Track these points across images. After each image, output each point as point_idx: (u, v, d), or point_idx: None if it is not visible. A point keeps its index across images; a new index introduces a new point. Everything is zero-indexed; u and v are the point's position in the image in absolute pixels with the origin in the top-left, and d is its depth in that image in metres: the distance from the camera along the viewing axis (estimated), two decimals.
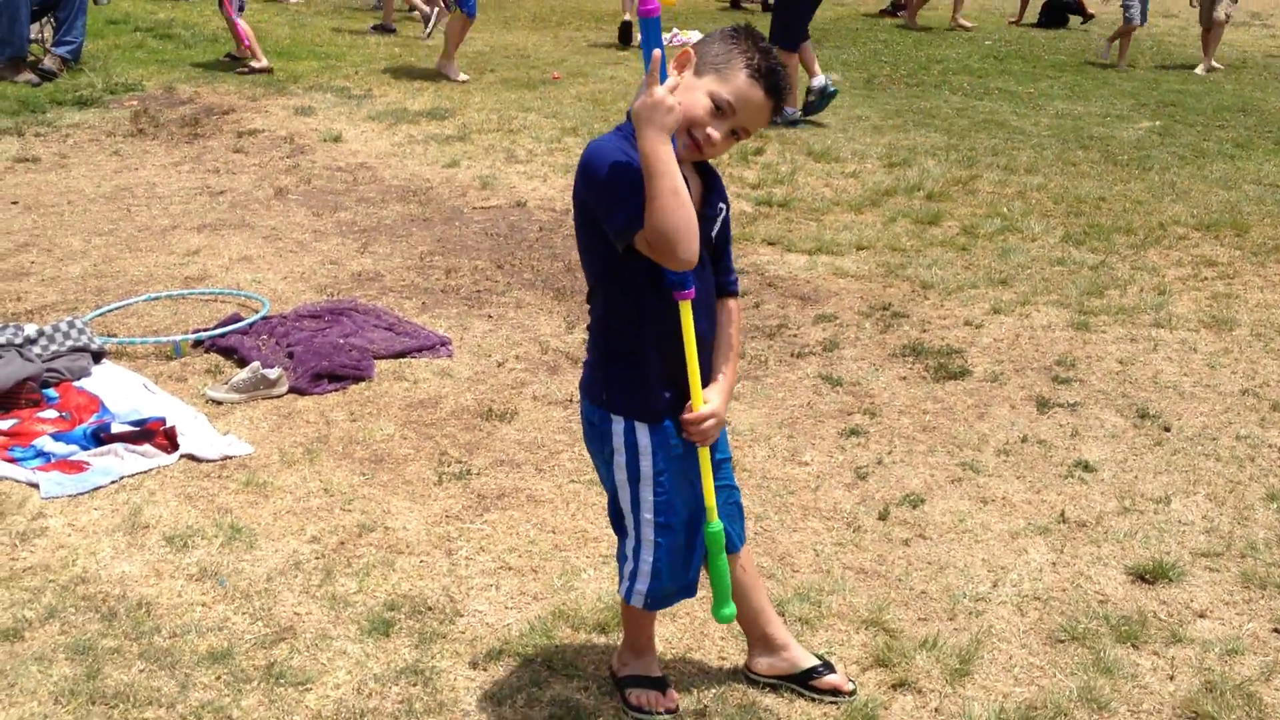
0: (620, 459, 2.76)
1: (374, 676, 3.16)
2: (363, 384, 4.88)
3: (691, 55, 2.57)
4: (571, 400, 4.83)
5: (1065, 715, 3.13)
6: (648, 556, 2.81)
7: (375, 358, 5.06)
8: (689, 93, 2.53)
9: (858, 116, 10.06)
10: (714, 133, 2.55)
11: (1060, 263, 6.52)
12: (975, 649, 3.35)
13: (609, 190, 2.53)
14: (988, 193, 7.91)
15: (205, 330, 5.25)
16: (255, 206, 7.22)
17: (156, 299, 5.69)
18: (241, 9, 11.02)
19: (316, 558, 3.69)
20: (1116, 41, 12.97)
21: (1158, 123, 10.19)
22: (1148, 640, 3.45)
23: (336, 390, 4.81)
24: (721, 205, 2.76)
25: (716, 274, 2.80)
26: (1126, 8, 12.68)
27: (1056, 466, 4.43)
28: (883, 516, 4.05)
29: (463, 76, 10.86)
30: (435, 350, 5.21)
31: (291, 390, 4.78)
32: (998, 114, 10.34)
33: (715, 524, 2.76)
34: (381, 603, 3.47)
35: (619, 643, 3.32)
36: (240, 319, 5.31)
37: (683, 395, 2.70)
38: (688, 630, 3.42)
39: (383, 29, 13.46)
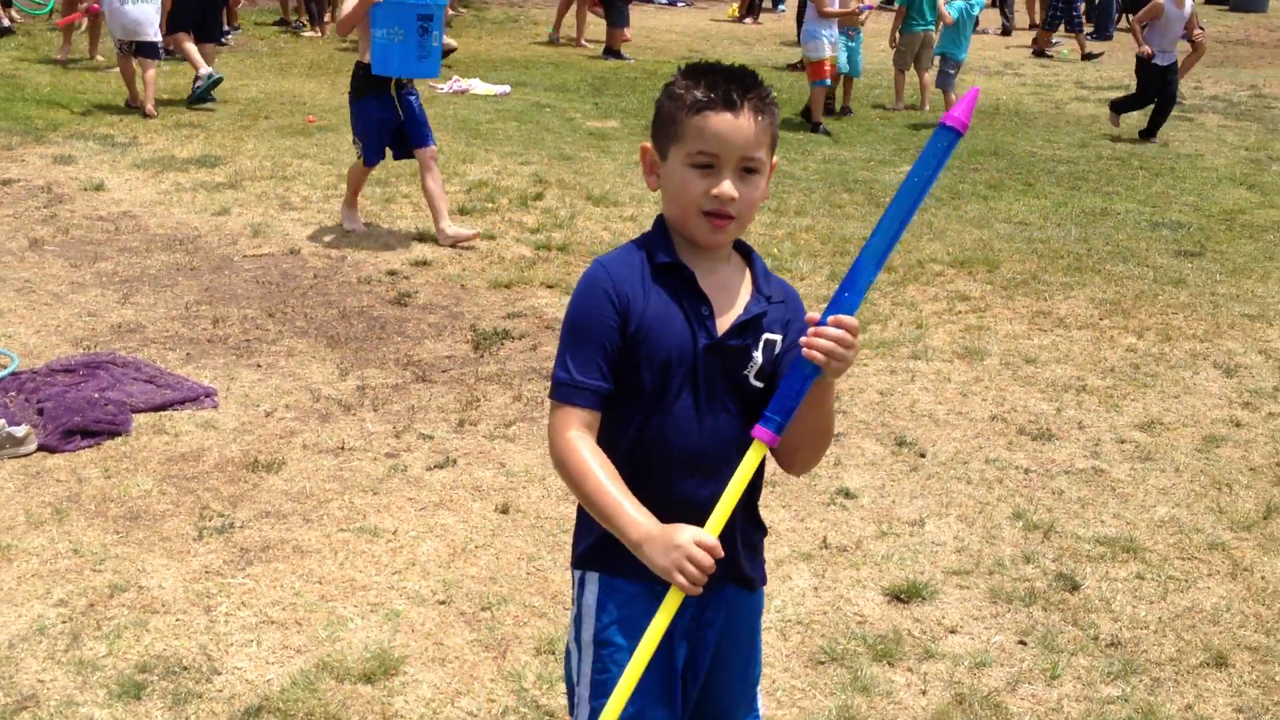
0: (572, 619, 2.34)
1: None
2: (119, 439, 4.70)
3: (648, 148, 2.23)
4: (343, 448, 4.75)
5: None
6: None
7: (134, 411, 4.87)
8: (670, 181, 2.18)
9: (636, 162, 10.24)
10: (719, 190, 2.12)
11: (826, 300, 6.74)
12: None
13: (567, 333, 2.18)
14: (759, 234, 8.16)
15: None
16: (7, 259, 6.88)
17: None
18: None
19: (63, 621, 3.52)
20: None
21: None
22: (902, 657, 3.59)
23: (90, 446, 4.62)
24: (771, 337, 2.22)
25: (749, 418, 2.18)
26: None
27: (820, 495, 4.58)
28: None
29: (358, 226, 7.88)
30: (199, 402, 5.05)
31: (41, 448, 4.56)
32: None
33: None
34: (133, 665, 3.33)
35: (386, 692, 3.28)
36: None
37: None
38: None
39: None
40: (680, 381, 2.15)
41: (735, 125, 2.11)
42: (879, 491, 4.63)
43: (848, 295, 2.06)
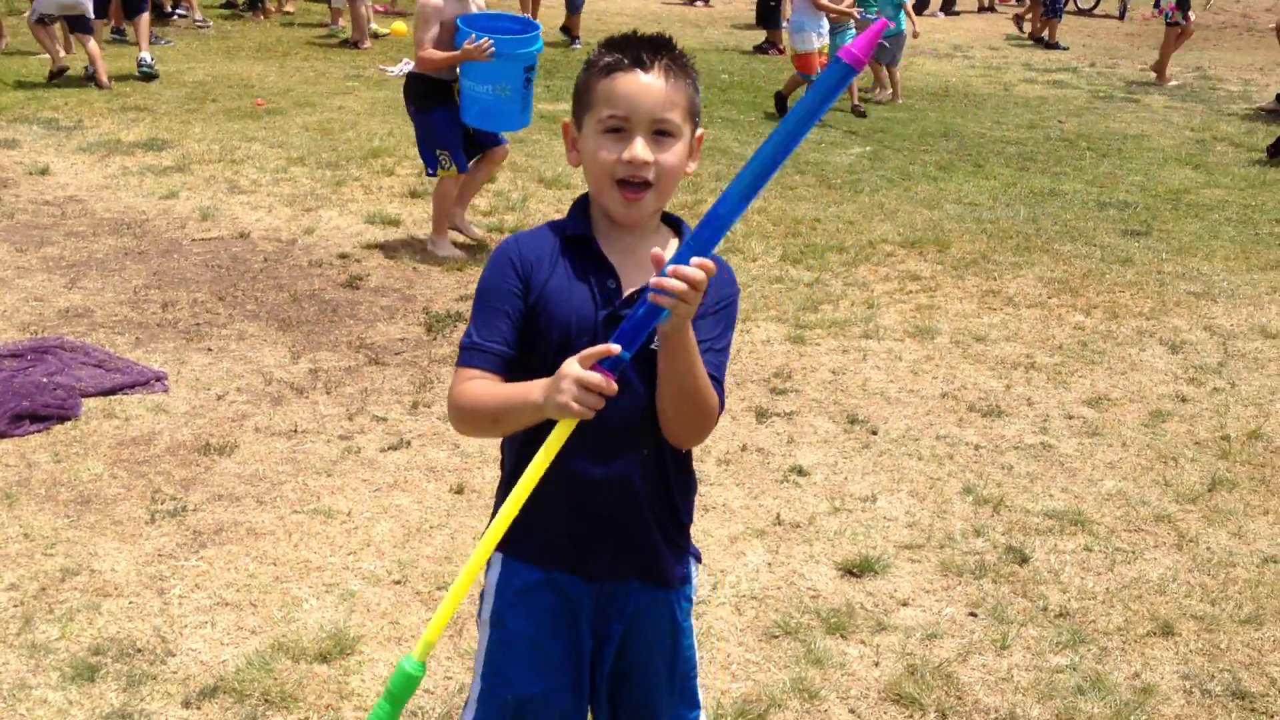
0: (479, 602, 2.30)
1: None
2: (69, 423, 4.65)
3: (568, 124, 2.17)
4: (296, 430, 4.73)
5: (779, 706, 3.27)
6: (468, 718, 2.29)
7: (83, 395, 4.83)
8: (585, 151, 2.11)
9: None
10: (630, 154, 2.04)
11: (779, 281, 6.81)
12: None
13: (475, 302, 2.15)
14: None
15: None
16: None
17: None
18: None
19: (14, 605, 3.49)
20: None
21: (868, 148, 10.76)
22: (855, 630, 3.63)
23: (39, 431, 4.57)
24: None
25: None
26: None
27: (774, 472, 4.61)
28: None
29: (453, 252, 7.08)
30: (149, 386, 5.01)
31: None
32: (721, 141, 10.71)
33: (415, 667, 1.95)
34: (86, 647, 3.31)
35: (343, 671, 3.29)
36: None
37: (562, 542, 2.18)
38: None
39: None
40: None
41: (644, 85, 2.04)
42: (831, 468, 4.67)
43: (707, 233, 1.90)
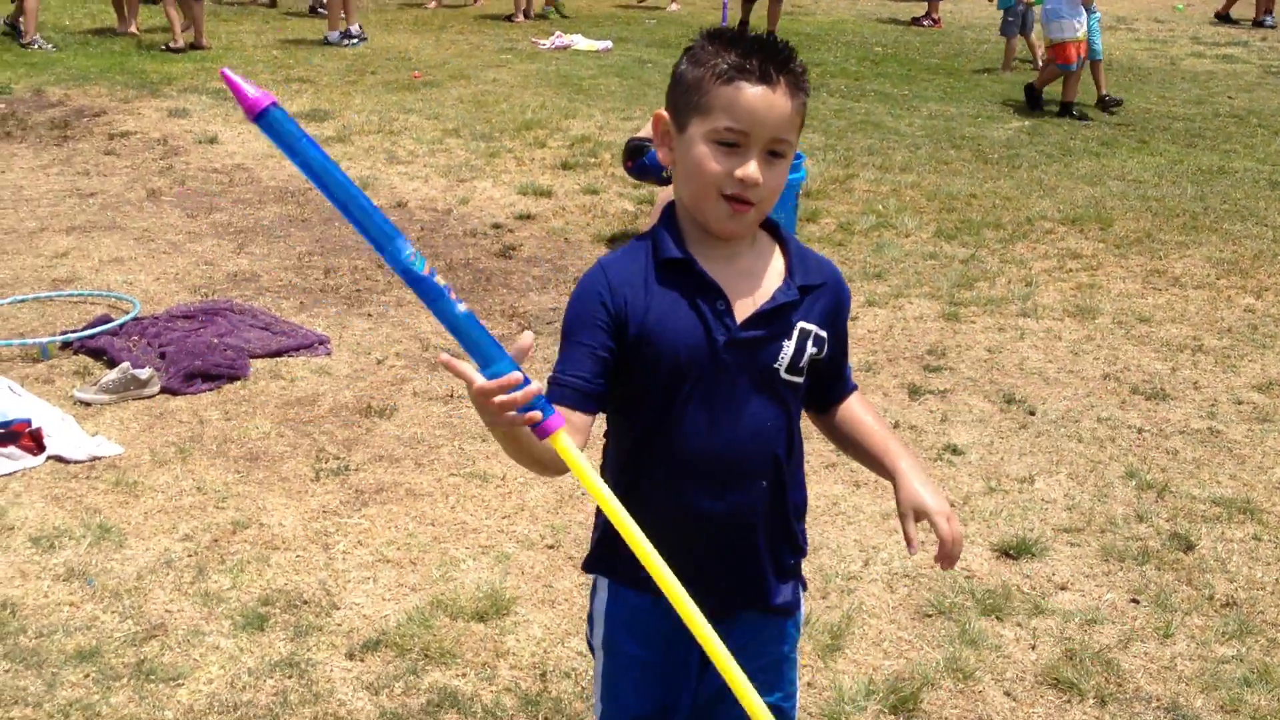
0: (587, 627, 2.23)
1: (248, 670, 3.14)
2: (238, 383, 4.82)
3: (663, 116, 1.97)
4: (452, 395, 4.83)
5: (932, 685, 3.23)
6: None
7: (251, 357, 5.00)
8: (687, 157, 1.92)
9: None
10: (744, 172, 1.88)
11: (932, 257, 6.69)
12: (846, 625, 3.44)
13: (562, 335, 2.02)
14: (864, 191, 8.08)
15: (73, 331, 5.13)
16: (127, 208, 7.08)
17: (23, 301, 5.55)
18: None
19: (189, 555, 3.64)
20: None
21: (1027, 122, 10.49)
22: (1011, 612, 3.56)
23: (210, 389, 4.75)
24: (807, 327, 2.00)
25: (796, 405, 2.07)
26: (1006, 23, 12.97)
27: (927, 450, 4.54)
28: None
29: None
30: (313, 349, 5.16)
31: (164, 390, 4.70)
32: (874, 115, 10.55)
33: None
34: (256, 598, 3.44)
35: (499, 631, 3.35)
36: (110, 320, 5.21)
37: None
38: None
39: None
40: (692, 384, 1.95)
41: (770, 101, 1.87)
42: (987, 448, 4.58)
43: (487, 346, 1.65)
